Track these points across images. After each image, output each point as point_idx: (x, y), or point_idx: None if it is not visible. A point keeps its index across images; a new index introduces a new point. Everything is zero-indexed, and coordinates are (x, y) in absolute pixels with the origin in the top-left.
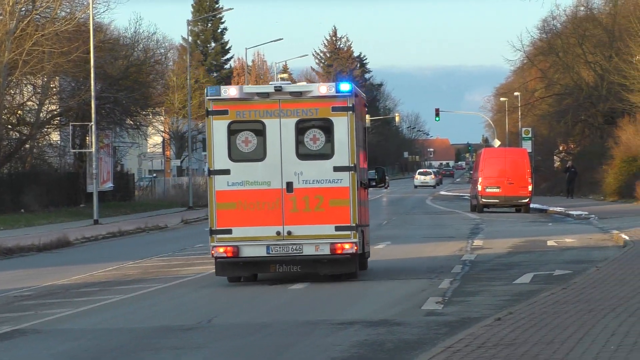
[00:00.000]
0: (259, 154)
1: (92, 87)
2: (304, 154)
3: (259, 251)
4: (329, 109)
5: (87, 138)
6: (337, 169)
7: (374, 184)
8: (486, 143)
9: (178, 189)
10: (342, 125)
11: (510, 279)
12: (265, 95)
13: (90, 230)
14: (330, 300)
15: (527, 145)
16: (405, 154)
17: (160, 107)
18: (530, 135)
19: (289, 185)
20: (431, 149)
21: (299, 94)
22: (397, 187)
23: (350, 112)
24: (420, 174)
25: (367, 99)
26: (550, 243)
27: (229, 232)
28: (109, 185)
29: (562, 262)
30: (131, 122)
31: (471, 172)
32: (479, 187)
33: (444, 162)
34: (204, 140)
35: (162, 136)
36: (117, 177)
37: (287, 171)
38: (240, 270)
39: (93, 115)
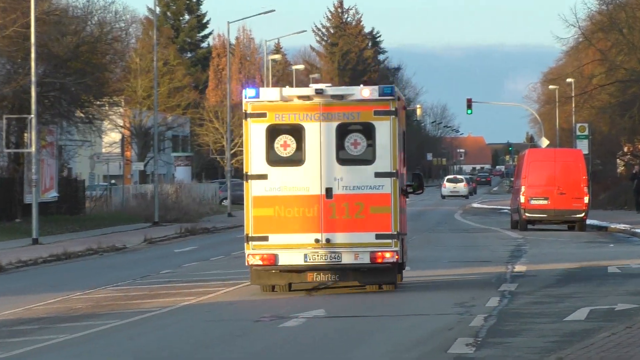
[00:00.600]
0: (297, 159)
1: (33, 70)
2: (344, 159)
3: (297, 259)
4: (371, 113)
5: (25, 135)
6: (378, 174)
7: (411, 190)
8: (531, 142)
9: (140, 199)
10: (384, 130)
11: (561, 315)
12: (306, 97)
13: (28, 251)
14: (333, 341)
15: (583, 146)
16: (429, 156)
17: (119, 95)
18: (586, 132)
19: (329, 191)
20: (462, 150)
21: (340, 97)
22: (419, 196)
23: (393, 116)
24: (449, 181)
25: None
26: (611, 269)
27: (266, 239)
28: (52, 194)
29: (626, 293)
30: (82, 115)
31: (512, 179)
32: (522, 199)
33: (478, 167)
34: (174, 138)
35: (121, 133)
36: (62, 184)
37: (326, 176)
38: (276, 278)
39: (33, 106)
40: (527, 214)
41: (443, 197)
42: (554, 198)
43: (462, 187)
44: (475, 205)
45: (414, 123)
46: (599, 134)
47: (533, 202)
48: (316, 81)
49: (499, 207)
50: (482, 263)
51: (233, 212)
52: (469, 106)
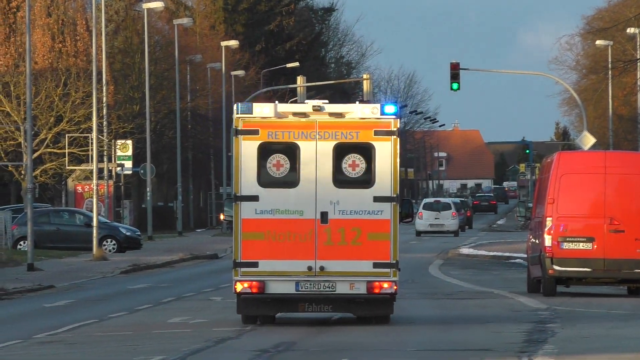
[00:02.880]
0: (291, 180)
1: None
2: (341, 181)
3: (288, 287)
4: (371, 133)
5: None
6: (377, 199)
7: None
8: (565, 142)
9: None
10: (384, 151)
11: None
12: (302, 115)
13: None
14: None
15: None
16: None
17: None
18: None
19: (324, 216)
20: (442, 154)
21: (339, 115)
22: None
23: (394, 136)
24: (428, 207)
25: (301, 39)
26: None
27: (255, 265)
28: None
29: None
30: None
31: (529, 204)
32: (547, 240)
33: (471, 183)
34: None
35: None
36: None
37: (322, 200)
38: (265, 308)
39: None
40: (556, 267)
41: (418, 233)
42: (605, 239)
43: (449, 217)
44: (465, 250)
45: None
46: None
47: (567, 245)
48: (186, 29)
49: (508, 253)
50: (475, 354)
51: (39, 262)
52: (455, 77)
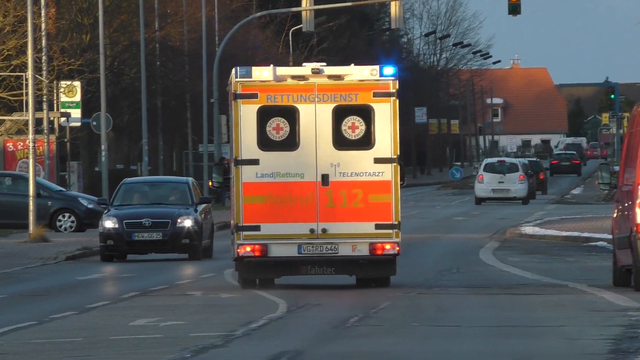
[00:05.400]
0: (291, 143)
1: None
2: (341, 143)
3: (290, 250)
4: (370, 95)
5: None
6: (378, 160)
7: None
8: None
9: None
10: (384, 113)
11: None
12: (301, 77)
13: None
14: None
15: None
16: (420, 115)
17: None
18: None
19: (325, 178)
20: (497, 101)
21: (338, 77)
22: (413, 201)
23: (394, 97)
24: (490, 169)
25: None
26: None
27: (257, 228)
28: None
29: None
30: None
31: (615, 168)
32: (639, 214)
33: (536, 139)
34: None
35: None
36: None
37: (322, 162)
38: (268, 271)
39: None
40: None
41: (479, 200)
42: None
43: (515, 181)
44: (528, 229)
45: (386, 36)
46: None
47: None
48: None
49: (586, 233)
50: None
51: None
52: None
